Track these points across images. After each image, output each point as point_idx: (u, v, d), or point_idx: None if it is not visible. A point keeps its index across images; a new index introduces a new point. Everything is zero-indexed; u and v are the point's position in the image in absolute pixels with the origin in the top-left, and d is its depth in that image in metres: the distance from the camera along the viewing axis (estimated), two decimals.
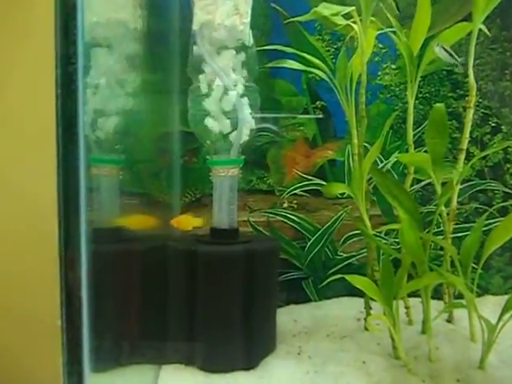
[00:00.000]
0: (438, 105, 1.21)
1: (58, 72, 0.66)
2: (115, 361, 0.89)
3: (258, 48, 1.29)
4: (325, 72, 1.31)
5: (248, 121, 1.24)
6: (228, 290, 1.17)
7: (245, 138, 1.25)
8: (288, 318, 1.44)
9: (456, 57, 1.14)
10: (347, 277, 1.15)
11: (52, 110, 0.66)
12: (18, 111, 0.67)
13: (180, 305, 1.19)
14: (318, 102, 1.57)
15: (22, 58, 0.66)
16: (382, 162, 1.52)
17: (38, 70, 0.66)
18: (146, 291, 1.11)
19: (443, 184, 1.22)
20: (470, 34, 1.24)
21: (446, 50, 1.14)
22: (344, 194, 1.53)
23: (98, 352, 0.72)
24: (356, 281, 1.16)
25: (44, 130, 0.67)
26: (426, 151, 1.24)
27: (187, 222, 1.28)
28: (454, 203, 1.30)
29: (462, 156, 1.27)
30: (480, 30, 1.25)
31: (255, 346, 1.19)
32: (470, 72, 1.26)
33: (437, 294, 1.35)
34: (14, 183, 0.68)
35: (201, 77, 1.24)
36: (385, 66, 1.56)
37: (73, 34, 0.66)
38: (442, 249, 1.42)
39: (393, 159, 1.48)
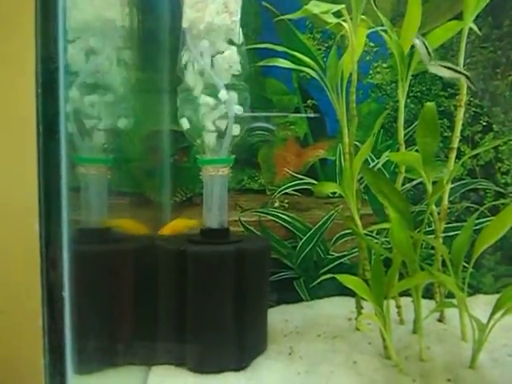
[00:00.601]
0: (428, 103, 1.20)
1: (39, 70, 0.65)
2: (101, 362, 0.88)
3: (249, 46, 1.28)
4: (316, 71, 1.31)
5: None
6: (218, 290, 1.16)
7: (235, 135, 1.24)
8: (279, 317, 1.43)
9: (432, 56, 1.12)
10: (338, 276, 1.15)
11: (32, 108, 0.65)
12: None
13: (169, 305, 1.18)
14: (309, 101, 1.56)
15: (1, 56, 0.65)
16: (373, 161, 1.52)
17: (18, 68, 0.65)
18: (133, 291, 1.10)
19: (434, 183, 1.21)
20: (460, 32, 1.24)
21: (426, 47, 1.13)
22: (335, 193, 1.52)
23: (82, 353, 0.71)
24: (347, 280, 1.15)
25: (24, 128, 0.66)
26: (417, 150, 1.24)
27: (181, 225, 1.26)
28: (445, 202, 1.29)
29: (453, 155, 1.27)
30: (471, 28, 1.25)
31: (246, 346, 1.18)
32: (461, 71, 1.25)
33: (428, 293, 1.35)
34: None
35: (190, 75, 1.23)
36: (376, 64, 1.56)
37: (54, 32, 0.65)
38: (433, 248, 1.42)
39: (384, 158, 1.48)
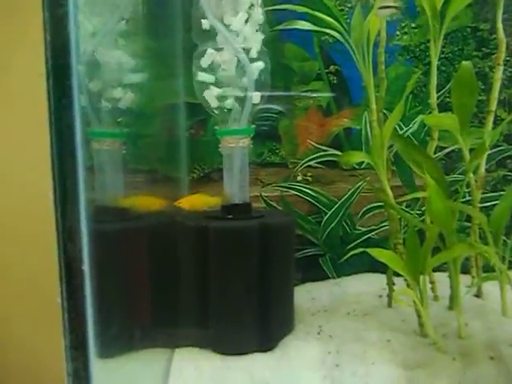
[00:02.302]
0: (465, 62, 1.11)
1: (48, 38, 0.58)
2: (124, 345, 0.82)
3: (267, 8, 1.19)
4: (340, 32, 1.22)
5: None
6: (242, 268, 1.11)
7: (255, 103, 1.16)
8: (305, 296, 1.37)
9: None
10: (370, 251, 1.08)
11: (42, 80, 0.58)
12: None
13: (192, 284, 1.12)
14: (331, 67, 1.47)
15: (7, 24, 0.58)
16: (401, 129, 1.43)
17: (25, 37, 0.58)
18: (155, 270, 1.05)
19: (470, 150, 1.13)
20: None
21: None
22: (361, 164, 1.44)
23: (104, 335, 0.65)
24: (380, 255, 1.08)
25: (33, 92, 0.59)
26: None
27: (201, 201, 1.18)
28: (483, 170, 1.21)
29: (491, 118, 1.18)
30: None
31: (272, 326, 1.13)
32: (499, 26, 1.16)
33: (462, 269, 1.27)
34: (4, 153, 0.60)
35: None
36: (403, 24, 1.46)
37: None
38: (467, 220, 1.34)
39: (414, 126, 1.39)
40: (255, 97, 1.17)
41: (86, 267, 0.57)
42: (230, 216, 1.17)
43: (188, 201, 1.16)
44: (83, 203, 0.60)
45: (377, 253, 1.08)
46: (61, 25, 0.58)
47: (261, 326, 1.11)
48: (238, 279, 1.11)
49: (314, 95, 1.48)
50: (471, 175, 1.18)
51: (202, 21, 1.14)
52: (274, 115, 1.46)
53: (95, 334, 0.61)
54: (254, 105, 1.17)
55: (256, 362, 1.06)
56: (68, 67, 0.59)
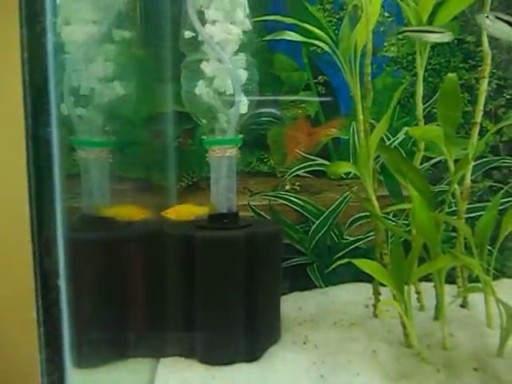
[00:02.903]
0: (450, 75, 1.12)
1: (24, 33, 0.58)
2: (104, 355, 0.82)
3: (255, 19, 1.20)
4: (327, 43, 1.22)
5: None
6: (229, 278, 1.10)
7: (243, 113, 1.16)
8: (293, 305, 1.37)
9: None
10: (355, 261, 1.08)
11: (18, 79, 0.58)
12: None
13: (177, 294, 1.12)
14: (320, 77, 1.48)
15: None
16: (388, 139, 1.44)
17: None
18: (138, 280, 1.04)
19: (456, 161, 1.14)
20: None
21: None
22: (349, 174, 1.44)
23: (82, 346, 0.65)
24: (364, 265, 1.09)
25: (10, 101, 0.59)
26: (437, 126, 1.16)
27: (188, 211, 1.17)
28: (468, 181, 1.22)
29: (476, 129, 1.19)
30: None
31: (258, 336, 1.12)
32: (485, 39, 1.17)
33: (448, 278, 1.28)
34: None
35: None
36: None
37: None
38: (454, 230, 1.35)
39: (400, 136, 1.40)
40: (242, 106, 1.17)
41: (61, 282, 0.57)
42: (216, 225, 1.17)
43: (175, 211, 1.15)
44: (60, 219, 0.60)
45: (362, 263, 1.09)
46: (38, 40, 0.58)
47: (247, 335, 1.11)
48: (225, 289, 1.10)
49: (307, 98, 1.48)
50: (456, 186, 1.18)
51: (185, 32, 1.15)
52: (265, 122, 1.47)
53: (72, 347, 0.61)
54: (242, 115, 1.18)
55: (241, 373, 1.06)
56: (45, 82, 0.59)
